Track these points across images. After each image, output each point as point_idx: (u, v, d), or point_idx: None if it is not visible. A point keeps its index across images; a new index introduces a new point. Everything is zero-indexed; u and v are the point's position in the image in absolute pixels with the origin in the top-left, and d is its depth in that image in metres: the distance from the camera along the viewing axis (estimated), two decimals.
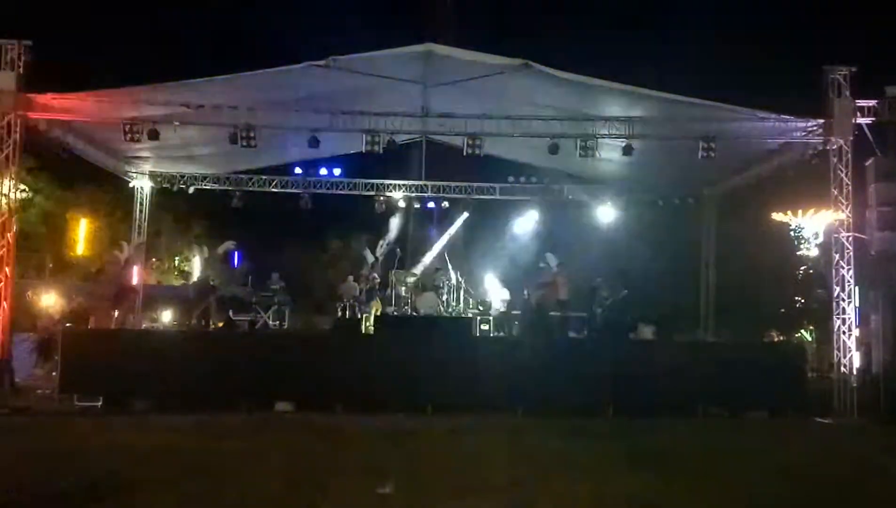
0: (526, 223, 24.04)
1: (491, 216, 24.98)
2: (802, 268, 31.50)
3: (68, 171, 24.52)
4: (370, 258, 20.65)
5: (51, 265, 30.16)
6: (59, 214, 29.47)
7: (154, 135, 17.20)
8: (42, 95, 16.68)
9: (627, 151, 17.30)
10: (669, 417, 15.03)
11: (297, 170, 22.94)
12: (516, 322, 19.67)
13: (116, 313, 19.35)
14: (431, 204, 23.59)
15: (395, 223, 22.64)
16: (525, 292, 20.38)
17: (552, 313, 19.10)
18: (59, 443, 11.69)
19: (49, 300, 24.55)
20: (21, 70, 16.36)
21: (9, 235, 16.53)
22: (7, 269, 16.46)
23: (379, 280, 20.57)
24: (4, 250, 16.49)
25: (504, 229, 24.46)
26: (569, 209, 23.92)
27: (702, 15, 34.50)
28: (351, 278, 21.23)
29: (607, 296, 19.42)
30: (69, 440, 12.00)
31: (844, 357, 16.46)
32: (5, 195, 16.51)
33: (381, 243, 20.90)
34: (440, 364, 15.95)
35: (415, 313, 20.12)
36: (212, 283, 19.38)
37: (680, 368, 16.10)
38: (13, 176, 16.58)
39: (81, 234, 29.90)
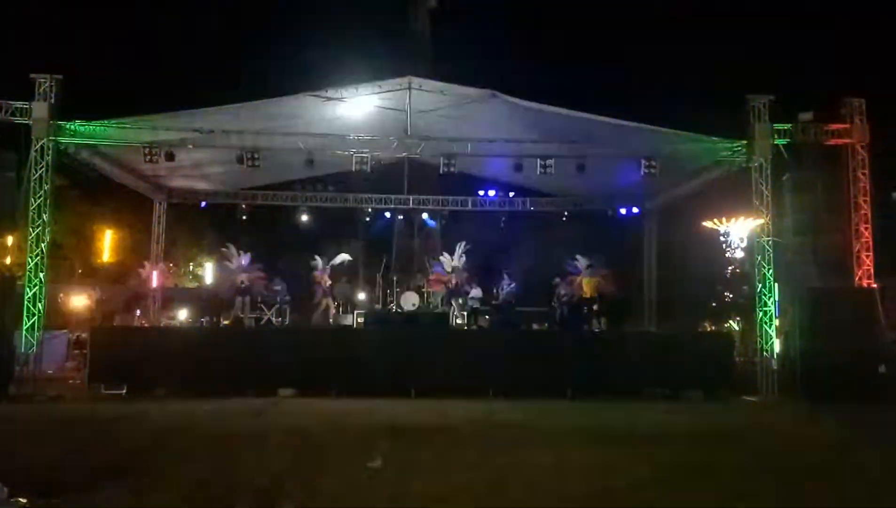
0: (494, 231, 24.02)
1: (465, 225, 24.92)
2: (730, 268, 31.77)
3: (95, 188, 24.16)
4: (448, 265, 20.18)
5: (80, 271, 29.69)
6: (87, 226, 29.00)
7: (170, 157, 17.06)
8: (71, 123, 16.49)
9: (581, 168, 17.41)
10: (619, 396, 15.15)
11: None
12: (486, 317, 19.62)
13: (139, 312, 19.08)
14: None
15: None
16: (493, 289, 20.32)
17: (518, 309, 19.04)
18: (91, 426, 11.50)
19: (78, 302, 24.19)
20: (52, 101, 16.22)
21: (43, 244, 16.29)
22: (41, 275, 16.21)
23: (455, 282, 20.12)
24: (39, 257, 16.26)
25: (476, 236, 24.36)
26: (531, 219, 24.02)
27: (646, 50, 34.82)
28: (344, 279, 21.08)
29: (565, 293, 19.41)
30: (99, 424, 11.81)
31: (766, 344, 16.67)
32: (40, 210, 16.26)
33: (458, 247, 20.35)
34: (421, 354, 15.92)
35: (399, 310, 19.98)
36: None
37: (627, 354, 16.23)
38: (46, 193, 16.34)
39: (107, 243, 29.44)
